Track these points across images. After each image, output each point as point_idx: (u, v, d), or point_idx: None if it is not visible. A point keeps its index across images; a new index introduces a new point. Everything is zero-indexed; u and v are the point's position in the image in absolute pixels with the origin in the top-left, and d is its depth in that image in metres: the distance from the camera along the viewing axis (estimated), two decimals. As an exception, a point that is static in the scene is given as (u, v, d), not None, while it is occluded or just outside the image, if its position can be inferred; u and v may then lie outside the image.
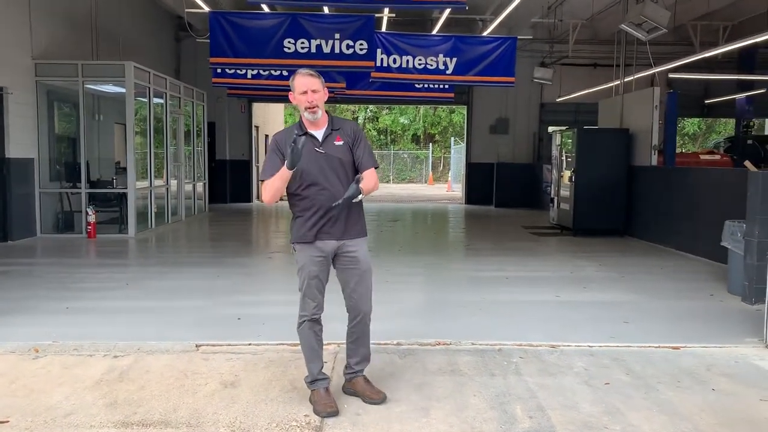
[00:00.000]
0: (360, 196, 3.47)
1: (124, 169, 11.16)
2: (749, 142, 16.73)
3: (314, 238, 3.57)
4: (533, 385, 4.02)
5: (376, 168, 3.69)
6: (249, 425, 3.41)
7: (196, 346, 4.71)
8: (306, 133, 3.55)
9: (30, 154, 10.19)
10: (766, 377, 4.26)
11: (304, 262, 3.60)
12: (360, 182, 3.46)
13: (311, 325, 3.63)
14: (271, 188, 3.53)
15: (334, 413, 3.51)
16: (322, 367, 3.70)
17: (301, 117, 3.63)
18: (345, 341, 3.86)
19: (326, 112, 3.63)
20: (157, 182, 12.25)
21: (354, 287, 3.67)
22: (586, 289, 6.99)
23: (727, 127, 31.71)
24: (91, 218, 10.43)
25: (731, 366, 4.46)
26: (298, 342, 4.71)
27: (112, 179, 11.59)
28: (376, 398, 3.68)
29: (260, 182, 3.63)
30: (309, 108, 3.50)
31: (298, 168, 3.46)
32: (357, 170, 3.63)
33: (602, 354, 4.66)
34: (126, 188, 10.89)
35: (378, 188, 3.76)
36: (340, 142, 3.59)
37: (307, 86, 3.50)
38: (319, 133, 3.59)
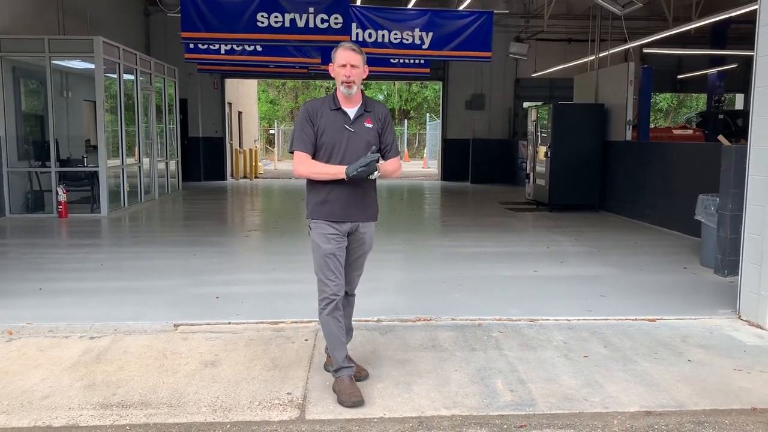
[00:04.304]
0: (376, 174, 3.40)
1: (95, 147, 10.92)
2: (720, 116, 16.93)
3: (332, 217, 3.49)
4: (513, 359, 4.06)
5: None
6: (231, 404, 3.39)
7: (175, 326, 4.66)
8: (339, 109, 3.50)
9: (-4, 133, 9.92)
10: (739, 347, 4.35)
11: (319, 240, 3.50)
12: (376, 153, 3.41)
13: (332, 311, 3.48)
14: (314, 174, 3.46)
15: (360, 403, 3.37)
16: (346, 354, 3.55)
17: (335, 91, 3.56)
18: (367, 319, 3.81)
19: (361, 91, 3.56)
20: (129, 160, 12.03)
21: (350, 263, 3.63)
22: (563, 264, 7.06)
23: (698, 102, 32.10)
24: (62, 197, 10.21)
25: (706, 337, 4.55)
26: (278, 320, 4.76)
27: (83, 157, 11.35)
28: (358, 375, 3.68)
29: (290, 151, 3.53)
30: (345, 82, 3.43)
31: (323, 142, 3.45)
32: (381, 155, 3.56)
33: (581, 327, 4.72)
34: (97, 167, 10.67)
35: (399, 174, 3.74)
36: (370, 125, 3.53)
37: (348, 60, 3.42)
38: (351, 111, 3.51)
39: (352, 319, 3.89)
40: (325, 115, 3.48)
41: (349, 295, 3.75)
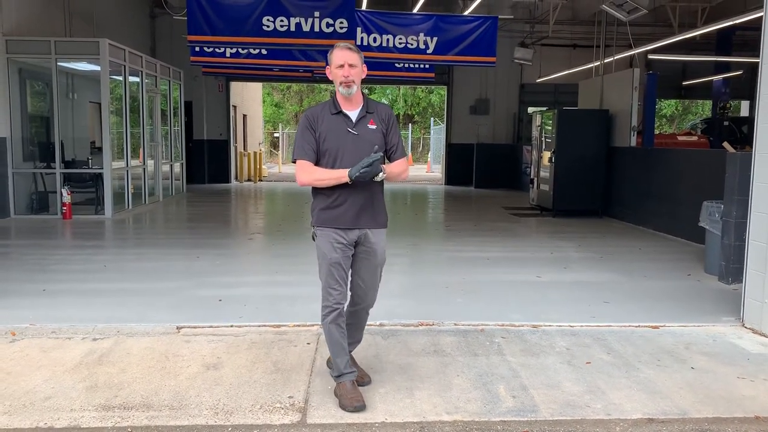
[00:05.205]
0: (381, 175, 3.31)
1: (100, 149, 10.97)
2: (725, 123, 16.91)
3: (338, 224, 3.41)
4: (516, 365, 4.05)
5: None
6: (233, 407, 3.39)
7: (177, 328, 4.67)
8: (339, 112, 3.43)
9: (2, 134, 9.95)
10: (743, 355, 4.33)
11: (325, 249, 3.42)
12: (380, 152, 3.33)
13: (335, 318, 3.43)
14: (318, 181, 3.38)
15: (361, 408, 3.34)
16: (348, 360, 3.52)
17: (335, 94, 3.48)
18: (369, 323, 3.69)
19: (362, 92, 3.49)
20: (134, 162, 12.07)
21: (364, 278, 3.54)
22: (566, 270, 7.04)
23: (703, 108, 32.05)
24: (67, 199, 10.24)
25: (709, 344, 4.53)
26: (280, 323, 4.76)
27: (88, 159, 11.39)
28: (361, 381, 3.66)
29: (293, 160, 3.45)
30: (344, 83, 3.35)
31: (327, 148, 3.37)
32: (387, 156, 3.50)
33: (583, 333, 4.70)
34: (102, 168, 10.70)
35: (407, 177, 3.63)
36: (374, 126, 3.44)
37: (345, 59, 3.34)
38: (353, 114, 3.44)
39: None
40: (326, 121, 3.41)
41: (361, 311, 3.63)
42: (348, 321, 3.61)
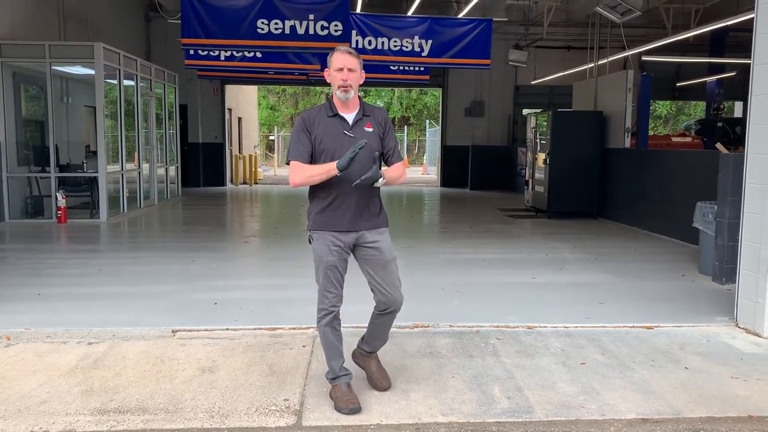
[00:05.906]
0: (381, 180, 3.30)
1: (95, 152, 10.95)
2: (719, 124, 16.98)
3: (334, 227, 3.41)
4: (511, 366, 4.06)
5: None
6: (228, 410, 3.39)
7: (173, 331, 4.67)
8: (336, 115, 3.42)
9: (-4, 138, 9.94)
10: (736, 355, 4.35)
11: (321, 252, 3.42)
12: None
13: (330, 321, 3.44)
14: (309, 178, 3.34)
15: (357, 410, 3.36)
16: (343, 363, 3.53)
17: (331, 97, 3.47)
18: (366, 325, 3.67)
19: (358, 96, 3.49)
20: (129, 166, 12.05)
21: (380, 280, 3.48)
22: (561, 271, 7.06)
23: (697, 109, 32.17)
24: (62, 203, 10.23)
25: (703, 345, 4.55)
26: (276, 326, 4.77)
27: (83, 163, 11.38)
28: (382, 386, 3.65)
29: (287, 162, 3.42)
30: (342, 87, 3.35)
31: (323, 149, 3.36)
32: (384, 160, 3.52)
33: (578, 334, 4.72)
34: (97, 172, 10.69)
35: (405, 180, 3.62)
36: (370, 129, 3.44)
37: (344, 63, 3.35)
38: (349, 117, 3.43)
39: (348, 325, 3.84)
40: (322, 123, 3.40)
41: (390, 315, 3.57)
42: (376, 321, 3.61)
